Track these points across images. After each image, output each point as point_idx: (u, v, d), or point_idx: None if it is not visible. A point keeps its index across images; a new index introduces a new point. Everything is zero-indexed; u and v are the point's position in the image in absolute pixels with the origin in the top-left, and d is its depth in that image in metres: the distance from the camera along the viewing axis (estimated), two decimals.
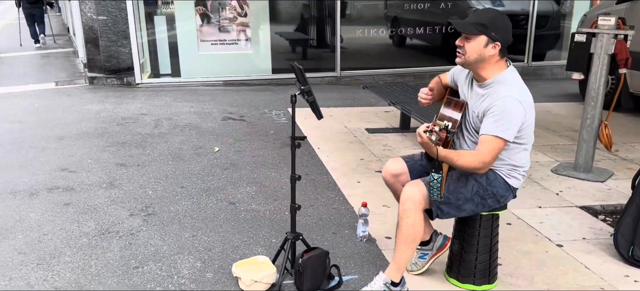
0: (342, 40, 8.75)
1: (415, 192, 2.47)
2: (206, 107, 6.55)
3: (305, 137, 2.68)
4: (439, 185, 2.31)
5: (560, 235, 3.31)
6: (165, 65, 8.70)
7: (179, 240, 3.16)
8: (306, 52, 9.34)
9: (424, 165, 2.73)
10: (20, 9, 12.59)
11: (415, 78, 8.40)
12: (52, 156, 4.63)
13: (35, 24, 12.85)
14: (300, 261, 2.59)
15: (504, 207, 2.67)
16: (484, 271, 2.69)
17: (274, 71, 8.73)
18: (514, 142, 2.43)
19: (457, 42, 2.46)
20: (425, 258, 2.87)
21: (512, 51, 7.59)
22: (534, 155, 4.59)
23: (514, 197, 2.63)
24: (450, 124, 2.33)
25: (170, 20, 8.53)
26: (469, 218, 2.67)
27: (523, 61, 9.34)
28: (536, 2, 9.11)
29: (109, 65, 8.06)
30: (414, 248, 2.54)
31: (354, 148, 4.95)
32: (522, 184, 2.66)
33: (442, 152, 2.35)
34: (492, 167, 2.51)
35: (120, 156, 4.67)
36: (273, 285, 2.62)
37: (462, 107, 2.58)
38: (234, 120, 5.97)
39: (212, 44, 8.47)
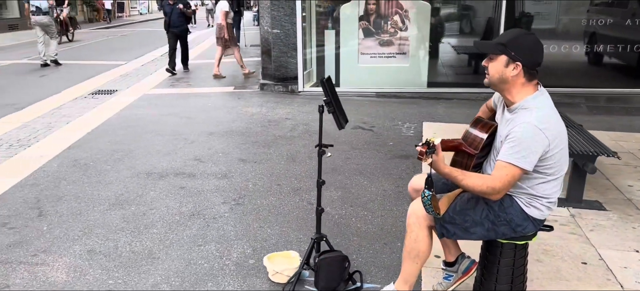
0: None
1: (419, 207, 2.49)
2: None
3: (332, 145, 2.87)
4: (430, 202, 2.31)
5: None
6: (332, 74, 9.37)
7: (247, 229, 3.58)
8: (471, 64, 9.19)
9: (446, 183, 2.70)
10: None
11: (587, 99, 7.69)
12: (195, 147, 5.48)
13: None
14: (317, 260, 2.79)
15: (527, 237, 2.51)
16: None
17: (430, 85, 8.76)
18: (536, 172, 2.30)
19: (483, 63, 2.43)
20: (450, 280, 2.82)
21: None
22: None
23: (537, 228, 2.46)
24: (438, 140, 2.32)
25: (337, 34, 9.16)
26: (491, 245, 2.58)
27: None
28: None
29: (278, 73, 8.99)
30: (418, 263, 2.55)
31: None
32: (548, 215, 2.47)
33: (446, 169, 2.34)
34: (509, 193, 2.40)
35: (246, 152, 5.31)
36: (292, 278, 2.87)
37: (489, 128, 2.51)
38: (363, 129, 6.25)
39: (371, 57, 8.87)
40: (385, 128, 6.29)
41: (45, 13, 11.29)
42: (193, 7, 11.49)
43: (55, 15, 13.39)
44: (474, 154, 2.50)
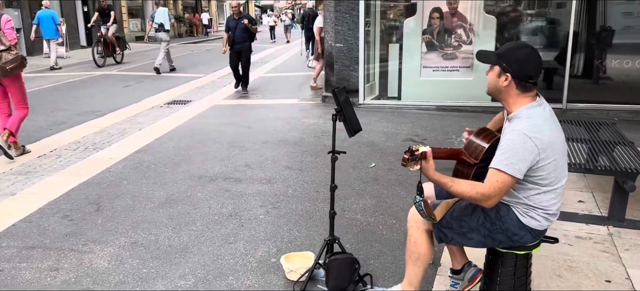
0: (604, 71, 8.15)
1: (417, 212, 2.57)
2: (399, 128, 7.01)
3: (345, 152, 3.01)
4: (422, 207, 2.39)
5: None
6: (392, 89, 9.46)
7: (276, 231, 3.79)
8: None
9: None
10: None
11: None
12: (247, 154, 5.79)
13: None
14: (327, 261, 2.94)
15: (527, 248, 2.51)
16: None
17: (495, 99, 8.59)
18: (530, 182, 2.33)
19: (486, 72, 2.50)
20: (456, 288, 2.87)
21: None
22: None
23: (537, 239, 2.47)
24: (426, 149, 2.40)
25: (400, 48, 9.24)
26: (492, 253, 2.61)
27: None
28: None
29: (340, 86, 9.19)
30: (420, 266, 2.63)
31: None
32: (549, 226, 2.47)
33: (435, 175, 2.42)
34: (506, 202, 2.44)
35: (293, 161, 5.55)
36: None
37: (491, 138, 2.57)
38: (414, 142, 6.29)
39: (433, 70, 8.86)
40: (436, 142, 6.29)
41: (166, 30, 13.43)
42: (273, 20, 11.87)
43: (99, 34, 14.99)
44: (473, 163, 2.56)
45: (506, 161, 2.25)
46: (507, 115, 2.45)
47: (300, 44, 17.59)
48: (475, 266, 2.84)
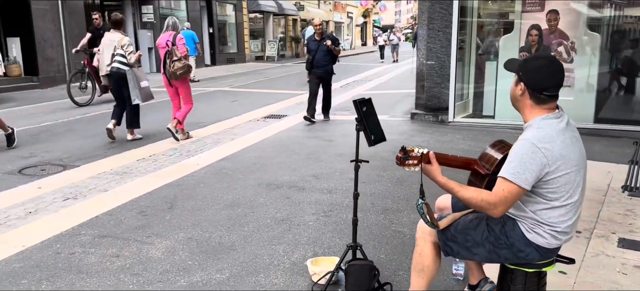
0: None
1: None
2: (482, 147, 6.80)
3: (367, 161, 3.10)
4: (422, 210, 2.42)
5: None
6: (488, 107, 9.19)
7: (319, 237, 3.95)
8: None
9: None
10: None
11: None
12: (319, 166, 6.00)
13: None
14: (346, 266, 3.03)
15: (535, 265, 2.42)
16: None
17: (598, 121, 8.03)
18: (538, 195, 2.28)
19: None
20: None
21: None
22: None
23: (544, 257, 2.38)
24: (423, 151, 2.43)
25: (496, 66, 8.96)
26: (503, 270, 2.56)
27: None
28: None
29: (430, 104, 9.12)
30: (424, 278, 2.63)
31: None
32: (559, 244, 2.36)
33: (441, 179, 2.45)
34: (512, 216, 2.39)
35: (361, 173, 5.63)
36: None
37: (506, 150, 2.54)
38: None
39: None
40: None
41: None
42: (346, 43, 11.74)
43: (84, 62, 12.17)
44: (485, 174, 2.54)
45: (513, 170, 2.22)
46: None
47: (412, 62, 17.57)
48: (491, 282, 2.78)
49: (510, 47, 8.61)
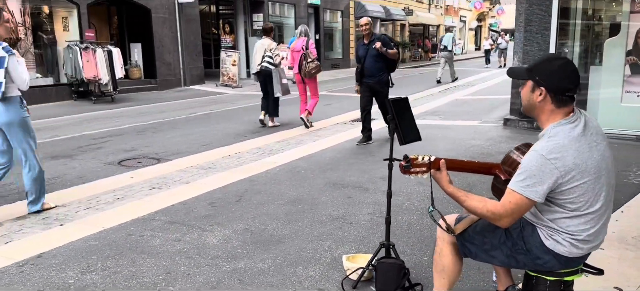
0: None
1: None
2: None
3: (400, 160, 3.10)
4: (433, 218, 2.43)
5: None
6: (591, 114, 8.56)
7: (367, 236, 4.00)
8: None
9: None
10: None
11: None
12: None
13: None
14: (376, 263, 3.07)
15: (556, 274, 2.31)
16: None
17: None
18: (556, 204, 2.20)
19: (519, 89, 2.44)
20: None
21: None
22: None
23: (563, 265, 2.27)
24: (425, 157, 2.42)
25: (600, 71, 8.34)
26: (526, 277, 2.46)
27: None
28: None
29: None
30: (445, 279, 2.61)
31: None
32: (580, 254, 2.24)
33: (449, 187, 2.44)
34: (532, 222, 2.32)
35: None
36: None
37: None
38: None
39: (638, 96, 7.80)
40: None
41: (449, 50, 18.09)
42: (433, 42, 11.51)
43: None
44: (506, 179, 2.47)
45: (522, 182, 2.16)
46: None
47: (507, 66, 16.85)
48: (519, 289, 2.66)
49: (615, 51, 7.96)
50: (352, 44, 28.28)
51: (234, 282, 3.31)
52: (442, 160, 2.45)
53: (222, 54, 17.61)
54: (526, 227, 2.33)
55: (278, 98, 9.34)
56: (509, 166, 2.49)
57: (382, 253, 3.20)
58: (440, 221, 2.47)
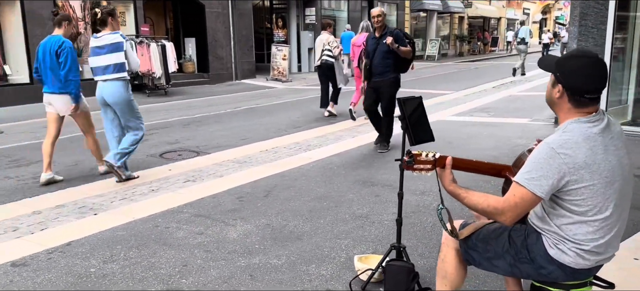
0: None
1: None
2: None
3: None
4: (441, 216, 2.35)
5: None
6: None
7: (386, 236, 3.93)
8: None
9: None
10: None
11: None
12: None
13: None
14: (385, 265, 3.01)
15: (560, 286, 2.18)
16: None
17: None
18: (562, 207, 2.09)
19: None
20: None
21: None
22: None
23: (569, 277, 2.14)
24: (429, 154, 2.34)
25: None
26: (532, 286, 2.34)
27: None
28: None
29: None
30: (447, 285, 2.53)
31: None
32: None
33: (450, 186, 2.36)
34: (537, 229, 2.21)
35: (467, 177, 5.39)
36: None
37: None
38: None
39: None
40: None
41: (525, 43, 17.58)
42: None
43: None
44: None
45: (528, 175, 2.06)
46: None
47: None
48: None
49: None
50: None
51: (246, 278, 3.33)
52: (449, 159, 2.36)
53: (273, 48, 17.80)
54: (531, 235, 2.21)
55: (340, 88, 9.96)
56: (519, 168, 2.36)
57: (393, 255, 3.13)
58: (447, 224, 2.38)
